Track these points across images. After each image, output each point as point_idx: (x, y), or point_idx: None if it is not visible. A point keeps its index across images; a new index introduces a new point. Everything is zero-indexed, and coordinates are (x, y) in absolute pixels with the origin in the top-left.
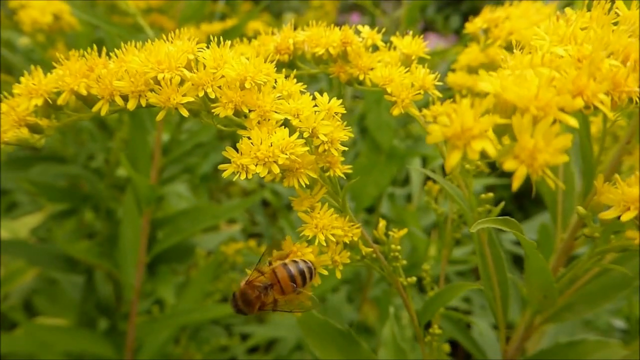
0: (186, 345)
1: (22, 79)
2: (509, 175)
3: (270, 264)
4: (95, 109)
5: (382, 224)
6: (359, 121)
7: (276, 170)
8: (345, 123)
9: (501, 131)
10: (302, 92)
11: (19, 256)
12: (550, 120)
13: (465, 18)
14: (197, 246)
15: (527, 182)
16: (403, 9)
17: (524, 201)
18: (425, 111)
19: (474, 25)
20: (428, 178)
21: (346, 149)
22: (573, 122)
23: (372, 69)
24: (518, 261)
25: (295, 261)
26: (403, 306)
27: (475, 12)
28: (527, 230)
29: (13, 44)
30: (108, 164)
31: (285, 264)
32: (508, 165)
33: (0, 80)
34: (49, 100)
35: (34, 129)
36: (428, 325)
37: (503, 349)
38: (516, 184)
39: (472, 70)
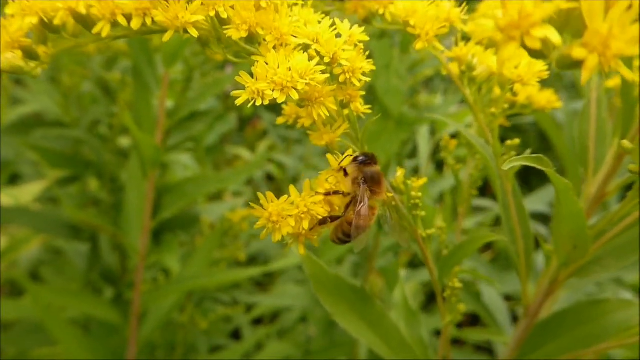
0: (192, 313)
1: None
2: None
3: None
4: (95, 30)
5: (400, 172)
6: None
7: (295, 96)
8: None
9: (560, 26)
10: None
11: (22, 223)
12: (626, 5)
13: None
14: (202, 215)
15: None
16: None
17: (530, 178)
18: (447, 52)
19: None
20: (435, 150)
21: (368, 79)
22: None
23: (392, 3)
24: None
25: None
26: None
27: None
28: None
29: None
30: (112, 129)
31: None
32: (577, 53)
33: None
34: (45, 19)
35: (29, 53)
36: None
37: (526, 304)
38: (586, 75)
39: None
